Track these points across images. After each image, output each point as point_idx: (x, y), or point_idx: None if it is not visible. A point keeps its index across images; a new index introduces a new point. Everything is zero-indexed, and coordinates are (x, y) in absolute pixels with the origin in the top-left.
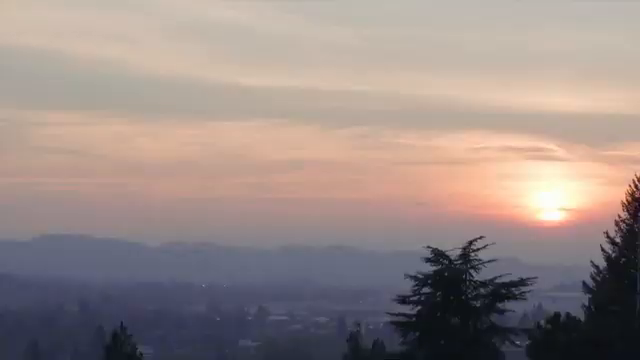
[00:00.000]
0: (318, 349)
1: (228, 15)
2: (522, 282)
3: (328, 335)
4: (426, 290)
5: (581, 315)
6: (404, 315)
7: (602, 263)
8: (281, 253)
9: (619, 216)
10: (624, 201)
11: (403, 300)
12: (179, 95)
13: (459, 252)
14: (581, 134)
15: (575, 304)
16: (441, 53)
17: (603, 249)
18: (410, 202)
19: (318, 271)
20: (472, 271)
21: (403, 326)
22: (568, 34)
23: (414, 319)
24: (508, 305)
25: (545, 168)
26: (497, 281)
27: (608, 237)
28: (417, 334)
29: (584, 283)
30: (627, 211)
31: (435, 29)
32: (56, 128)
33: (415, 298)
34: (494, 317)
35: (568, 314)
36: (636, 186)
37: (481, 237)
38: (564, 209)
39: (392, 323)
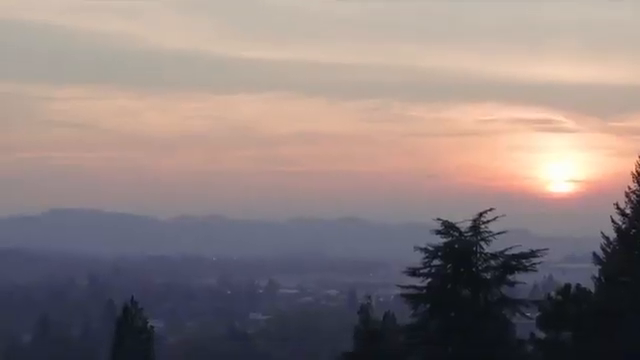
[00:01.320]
0: (328, 322)
1: None
2: (532, 254)
3: (338, 308)
4: (436, 262)
5: (591, 286)
6: (414, 287)
7: (612, 234)
8: (291, 226)
9: (629, 187)
10: (634, 172)
11: (413, 272)
12: (186, 69)
13: (469, 224)
14: (590, 105)
15: (585, 275)
16: (450, 25)
17: (613, 220)
18: (420, 174)
19: (328, 244)
20: (482, 243)
21: (413, 298)
22: (578, 5)
23: (424, 291)
24: (518, 277)
25: (554, 140)
26: (507, 253)
27: (618, 208)
28: (427, 306)
29: (594, 254)
30: (637, 182)
31: (445, 1)
32: (64, 103)
33: (425, 270)
34: (504, 289)
35: (578, 285)
36: None
37: (491, 209)
38: (574, 180)
39: (402, 295)
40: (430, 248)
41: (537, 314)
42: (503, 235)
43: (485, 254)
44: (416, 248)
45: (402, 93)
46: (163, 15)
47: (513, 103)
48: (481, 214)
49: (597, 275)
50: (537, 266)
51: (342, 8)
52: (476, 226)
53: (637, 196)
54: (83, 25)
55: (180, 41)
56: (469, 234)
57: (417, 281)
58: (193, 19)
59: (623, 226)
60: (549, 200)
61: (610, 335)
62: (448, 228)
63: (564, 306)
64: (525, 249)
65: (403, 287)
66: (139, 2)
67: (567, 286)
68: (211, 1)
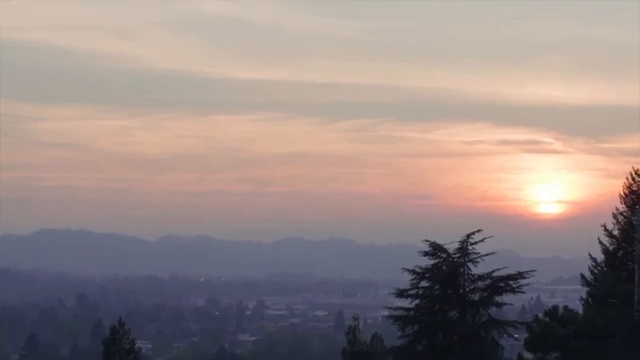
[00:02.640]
0: (316, 343)
1: (226, 9)
2: (520, 275)
3: (326, 329)
4: (424, 284)
5: (579, 308)
6: (402, 309)
7: (600, 256)
8: (279, 246)
9: (617, 209)
10: (622, 194)
11: (401, 294)
12: (178, 89)
13: (457, 245)
14: (578, 127)
15: (573, 297)
16: (438, 46)
17: (601, 242)
18: (408, 195)
19: (316, 264)
20: (470, 264)
21: (401, 320)
22: (565, 26)
23: (412, 313)
24: (506, 298)
25: (542, 161)
26: (495, 274)
27: (606, 230)
28: (415, 328)
29: (582, 276)
30: (625, 204)
31: (432, 22)
32: (55, 123)
33: (413, 292)
34: (492, 310)
35: (566, 307)
36: (633, 179)
37: (479, 230)
38: (562, 202)
39: (390, 317)
40: (418, 269)
41: (525, 335)
42: (491, 256)
43: (473, 275)
44: (404, 269)
45: (391, 113)
46: (154, 35)
47: (501, 124)
48: (469, 235)
49: (585, 296)
50: (525, 288)
51: (331, 29)
52: (464, 247)
53: (624, 217)
54: (73, 45)
55: (171, 61)
56: (457, 255)
57: (405, 302)
58: (186, 40)
59: (611, 247)
60: (537, 221)
61: (598, 357)
62: (436, 249)
63: (552, 328)
64: (512, 270)
65: (391, 308)
66: (130, 22)
67: (555, 308)
68: (202, 21)
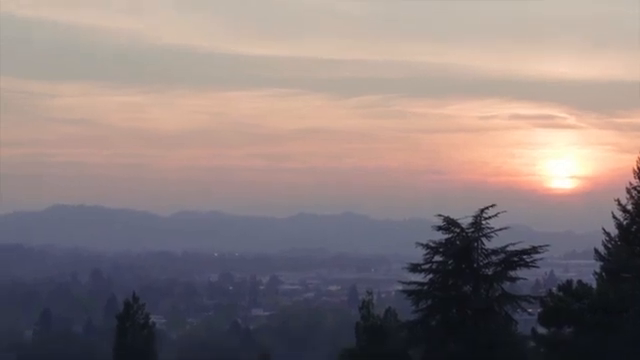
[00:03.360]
0: (330, 318)
1: None
2: (534, 250)
3: (340, 303)
4: (438, 258)
5: (593, 282)
6: (416, 283)
7: (614, 230)
8: (293, 222)
9: (630, 183)
10: (635, 168)
11: (415, 268)
12: (191, 65)
13: (470, 220)
14: (592, 101)
15: (587, 271)
16: (452, 21)
17: (615, 216)
18: (421, 170)
19: (330, 240)
20: (484, 239)
21: (415, 294)
22: (580, 0)
23: (426, 287)
24: (520, 273)
25: (556, 136)
26: (509, 249)
27: (620, 204)
28: (429, 302)
29: (596, 250)
30: (638, 178)
31: None
32: (68, 99)
33: (427, 266)
34: (506, 285)
35: (580, 281)
36: None
37: (493, 205)
38: (575, 177)
39: (404, 291)
40: (432, 244)
41: (538, 310)
42: (504, 231)
43: (486, 250)
44: (418, 244)
45: (403, 89)
46: (165, 11)
47: (515, 99)
48: (482, 210)
49: (599, 271)
50: (538, 262)
51: (343, 4)
52: (477, 222)
53: (638, 192)
54: (85, 21)
55: (182, 37)
56: (470, 230)
57: (419, 277)
58: (195, 15)
59: (624, 222)
60: (550, 196)
61: (612, 331)
62: (449, 224)
63: (565, 302)
64: (526, 245)
65: (405, 283)
66: None
67: (568, 282)
68: None
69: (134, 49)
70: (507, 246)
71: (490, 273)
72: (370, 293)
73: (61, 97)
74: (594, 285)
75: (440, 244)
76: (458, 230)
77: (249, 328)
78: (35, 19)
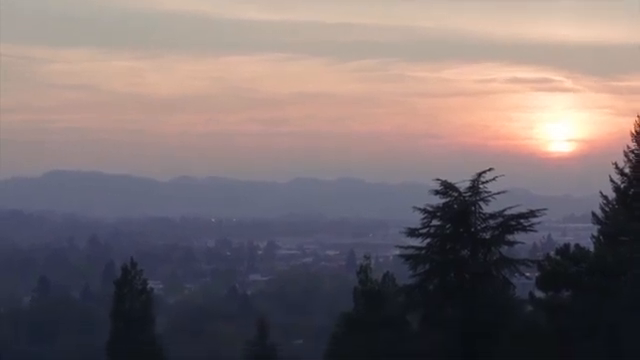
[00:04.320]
0: (328, 282)
1: None
2: (531, 214)
3: (338, 268)
4: (435, 222)
5: (591, 246)
6: (414, 248)
7: (611, 194)
8: (290, 187)
9: (628, 147)
10: (633, 132)
11: (413, 233)
12: (186, 31)
13: (468, 184)
14: (590, 65)
15: (584, 235)
16: None
17: (612, 180)
18: (419, 134)
19: (327, 204)
20: (481, 203)
21: (413, 259)
22: None
23: (424, 252)
24: (518, 237)
25: (554, 99)
26: (506, 213)
27: (617, 168)
28: (427, 266)
29: (593, 214)
30: (636, 142)
31: None
32: (64, 65)
33: (424, 231)
34: (504, 249)
35: (577, 245)
36: None
37: (490, 169)
38: (573, 140)
39: (402, 256)
40: (429, 208)
41: (536, 274)
42: (502, 195)
43: (484, 214)
44: (415, 208)
45: (401, 53)
46: None
47: (512, 63)
48: (480, 174)
49: (596, 234)
50: (536, 226)
51: None
52: (475, 186)
53: (636, 155)
54: None
55: (179, 2)
56: (468, 194)
57: (416, 241)
58: None
59: (622, 185)
60: (548, 160)
61: (610, 294)
62: (447, 188)
63: (563, 266)
64: (524, 209)
65: (402, 247)
66: None
67: (566, 246)
68: None
69: (133, 15)
70: (505, 210)
71: (488, 237)
72: (368, 258)
73: (60, 63)
74: (592, 249)
75: (438, 208)
76: (456, 194)
77: (247, 293)
78: None
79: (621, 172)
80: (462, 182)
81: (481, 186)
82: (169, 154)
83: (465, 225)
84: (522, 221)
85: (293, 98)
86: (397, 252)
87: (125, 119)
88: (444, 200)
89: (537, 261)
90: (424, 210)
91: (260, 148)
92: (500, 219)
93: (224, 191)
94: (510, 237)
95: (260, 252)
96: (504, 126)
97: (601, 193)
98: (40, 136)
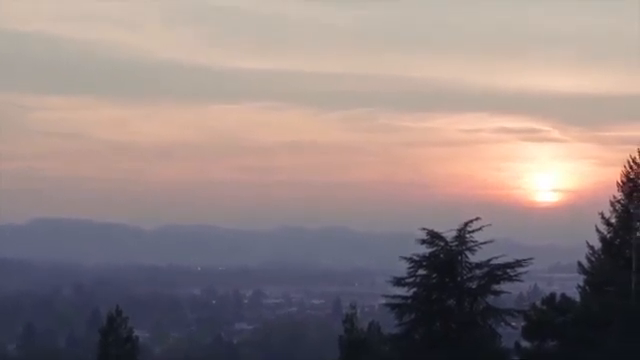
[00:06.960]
0: (314, 331)
1: None
2: (517, 263)
3: (324, 317)
4: (422, 272)
5: (576, 296)
6: (400, 297)
7: (597, 244)
8: (276, 235)
9: (614, 197)
10: (619, 182)
11: (399, 282)
12: (176, 79)
13: (454, 234)
14: (576, 115)
15: (570, 285)
16: (436, 35)
17: (598, 230)
18: (406, 184)
19: (313, 253)
20: (468, 252)
21: (399, 308)
22: (564, 15)
23: (410, 301)
24: (504, 286)
25: (540, 149)
26: (492, 262)
27: (603, 218)
28: (413, 316)
29: (579, 264)
30: (622, 192)
31: (430, 10)
32: (53, 112)
33: (411, 280)
34: (490, 298)
35: (563, 295)
36: (631, 167)
37: (477, 218)
38: (559, 190)
39: (388, 305)
40: (415, 258)
41: (522, 324)
42: (488, 244)
43: (470, 264)
44: (401, 258)
45: (388, 103)
46: (150, 25)
47: (499, 113)
48: (466, 224)
49: (582, 284)
50: (522, 276)
51: (327, 17)
52: (461, 236)
53: (622, 205)
54: (70, 34)
55: (167, 51)
56: (454, 244)
57: (402, 291)
58: (183, 29)
59: (608, 235)
60: (534, 210)
61: (595, 344)
62: (433, 238)
63: (549, 315)
64: (510, 259)
65: (388, 297)
66: (126, 12)
67: (552, 295)
68: (198, 11)
69: (122, 63)
70: (491, 260)
71: (474, 287)
72: (354, 307)
73: (46, 110)
74: (578, 299)
75: (424, 257)
76: (442, 244)
77: (233, 342)
78: (19, 32)
79: (607, 222)
80: (448, 231)
81: (467, 235)
82: (155, 202)
83: (451, 275)
84: (508, 271)
85: (280, 147)
86: (383, 301)
87: (112, 167)
88: (430, 249)
89: (523, 311)
90: (410, 259)
91: (246, 197)
92: (486, 269)
93: (209, 239)
94: (496, 287)
95: (246, 301)
96: (491, 176)
97: (587, 243)
98: (25, 184)
